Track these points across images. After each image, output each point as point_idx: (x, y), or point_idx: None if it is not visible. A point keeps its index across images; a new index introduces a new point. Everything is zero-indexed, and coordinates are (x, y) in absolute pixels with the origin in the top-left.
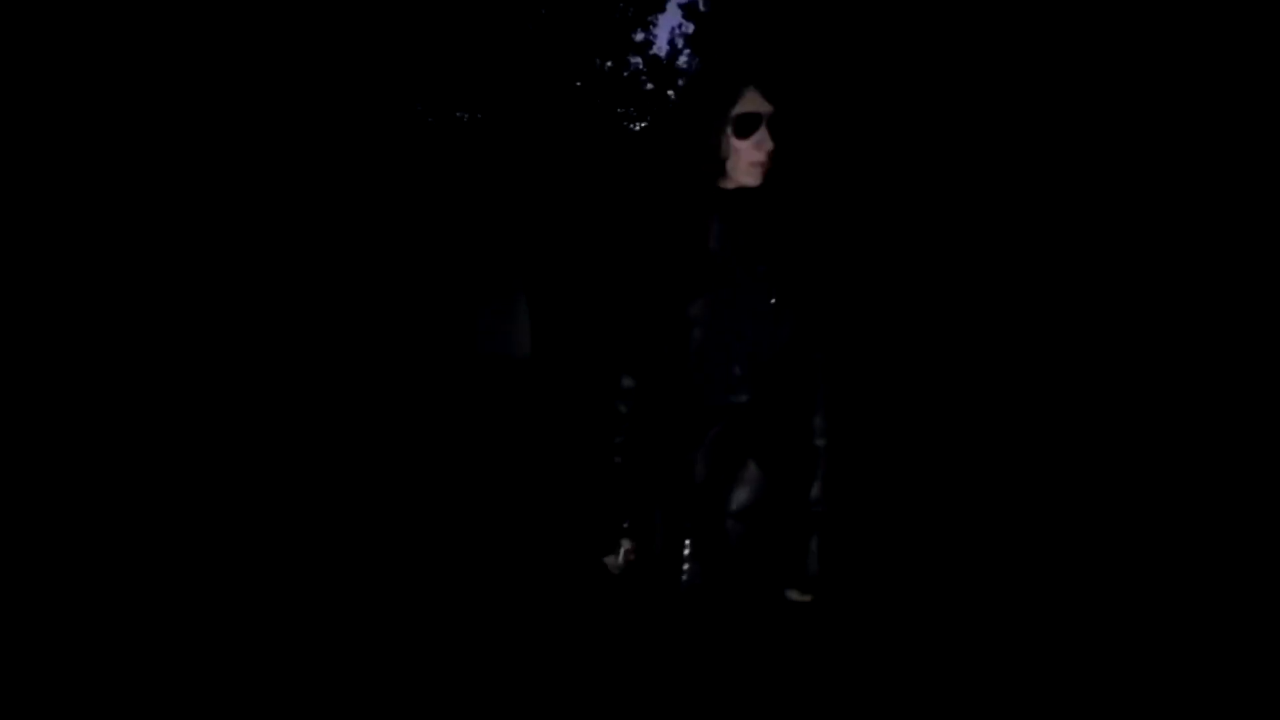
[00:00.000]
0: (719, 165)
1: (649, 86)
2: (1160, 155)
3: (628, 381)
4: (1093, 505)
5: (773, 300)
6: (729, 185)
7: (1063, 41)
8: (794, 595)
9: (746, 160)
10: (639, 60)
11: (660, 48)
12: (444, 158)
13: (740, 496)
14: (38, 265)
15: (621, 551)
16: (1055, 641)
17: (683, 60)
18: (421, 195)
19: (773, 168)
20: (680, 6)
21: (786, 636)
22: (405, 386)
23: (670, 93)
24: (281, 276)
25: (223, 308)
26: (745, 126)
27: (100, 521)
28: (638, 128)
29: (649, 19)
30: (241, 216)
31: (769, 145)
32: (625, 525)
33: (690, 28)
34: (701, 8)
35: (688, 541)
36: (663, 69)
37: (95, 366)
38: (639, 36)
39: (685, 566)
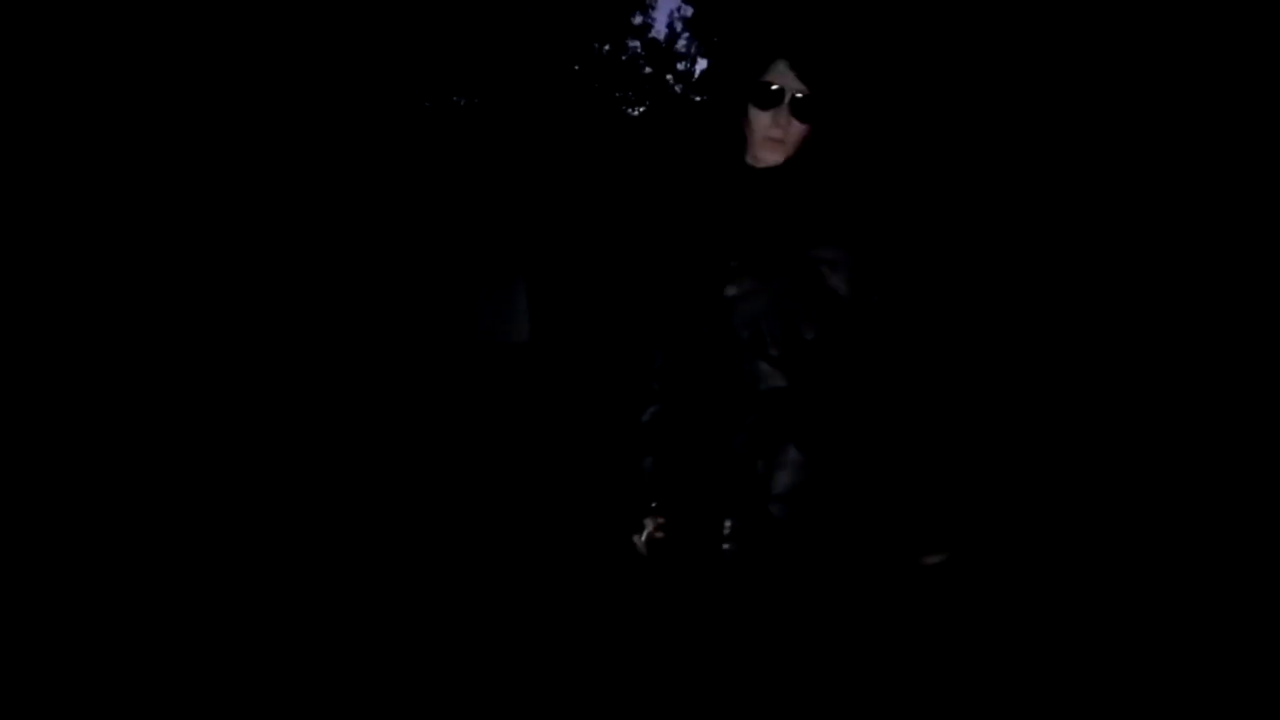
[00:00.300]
0: (743, 139)
1: (647, 70)
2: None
3: (658, 359)
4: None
5: (807, 282)
6: (758, 163)
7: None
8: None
9: (762, 134)
10: (637, 44)
11: (659, 31)
12: (440, 142)
13: (782, 480)
14: (25, 255)
15: (646, 531)
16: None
17: (681, 44)
18: (418, 181)
19: (804, 147)
20: None
21: (836, 620)
22: (404, 373)
23: (669, 77)
24: (278, 264)
25: (218, 296)
26: (765, 98)
27: (83, 499)
28: (636, 112)
29: (647, 2)
30: (237, 204)
31: (787, 122)
32: (653, 504)
33: (689, 11)
34: None
35: (728, 523)
36: (661, 52)
37: (82, 343)
38: (637, 20)
39: (725, 547)
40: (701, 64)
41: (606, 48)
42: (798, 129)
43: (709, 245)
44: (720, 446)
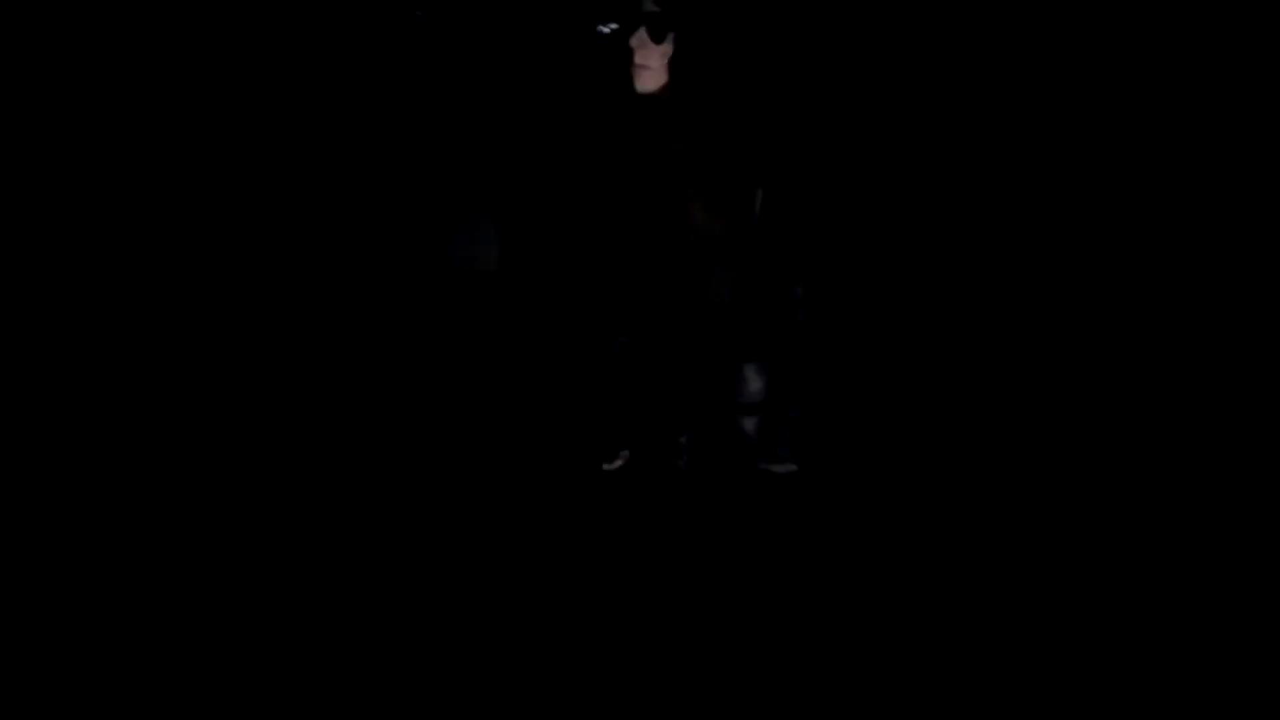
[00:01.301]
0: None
1: None
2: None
3: (624, 293)
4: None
5: (740, 212)
6: (642, 92)
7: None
8: (775, 468)
9: (635, 60)
10: None
11: None
12: (404, 66)
13: (742, 390)
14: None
15: (618, 458)
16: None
17: None
18: (380, 104)
19: (680, 76)
20: None
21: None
22: (370, 300)
23: None
24: (232, 192)
25: (183, 220)
26: (631, 24)
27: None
28: (608, 30)
29: None
30: (201, 127)
31: (643, 43)
32: (622, 433)
33: None
34: None
35: (683, 439)
36: None
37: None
38: None
39: (682, 460)
40: None
41: None
42: (656, 51)
43: (645, 176)
44: (679, 370)
